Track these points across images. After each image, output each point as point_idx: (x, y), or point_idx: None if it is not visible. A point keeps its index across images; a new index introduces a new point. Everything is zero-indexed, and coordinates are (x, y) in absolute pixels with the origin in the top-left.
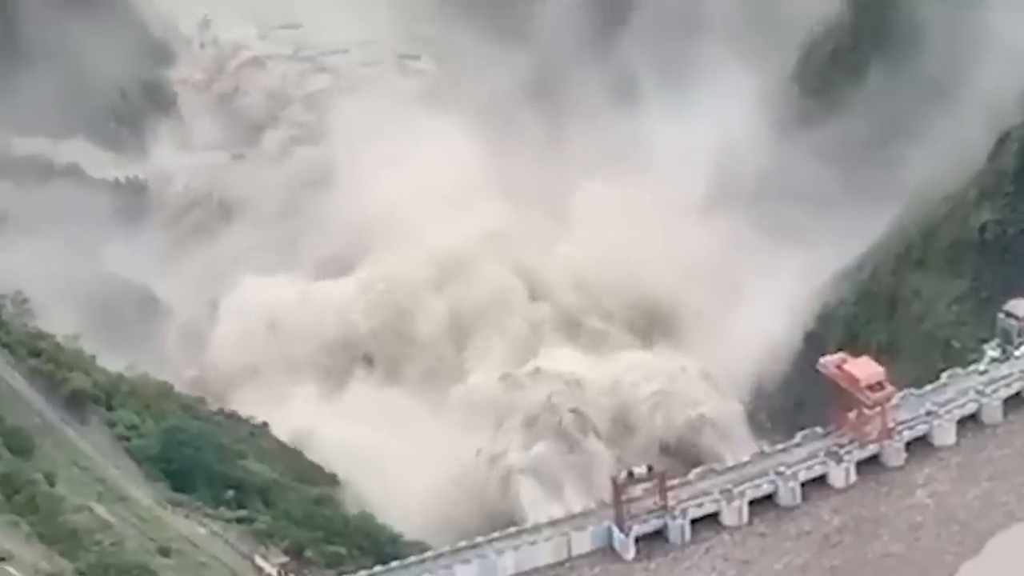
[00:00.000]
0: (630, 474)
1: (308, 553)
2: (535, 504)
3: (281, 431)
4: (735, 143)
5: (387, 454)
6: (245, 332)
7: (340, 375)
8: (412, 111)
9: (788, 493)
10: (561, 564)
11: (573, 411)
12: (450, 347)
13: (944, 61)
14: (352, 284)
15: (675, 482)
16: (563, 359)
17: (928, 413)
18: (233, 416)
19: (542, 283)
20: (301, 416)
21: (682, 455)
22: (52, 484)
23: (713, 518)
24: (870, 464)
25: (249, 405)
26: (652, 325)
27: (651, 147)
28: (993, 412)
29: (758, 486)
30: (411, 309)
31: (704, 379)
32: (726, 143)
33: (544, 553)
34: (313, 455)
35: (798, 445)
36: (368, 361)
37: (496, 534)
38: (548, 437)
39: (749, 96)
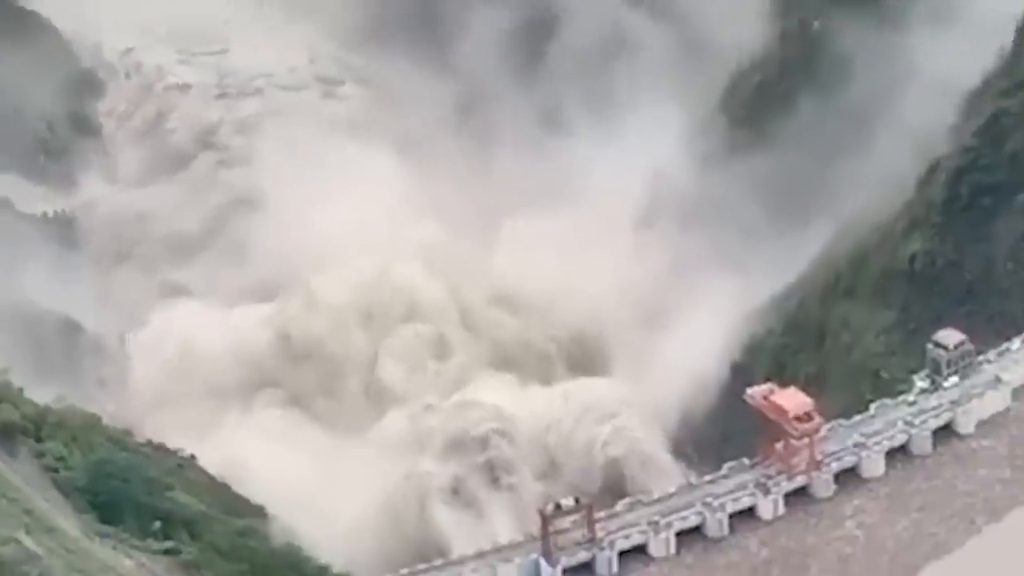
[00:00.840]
0: (557, 506)
1: None
2: (460, 532)
3: (205, 462)
4: (664, 172)
5: (312, 483)
6: (164, 361)
7: (260, 404)
8: (338, 137)
9: (716, 524)
10: None
11: (498, 434)
12: (374, 375)
13: (872, 92)
14: (274, 310)
15: (602, 514)
16: (491, 388)
17: (857, 444)
18: (161, 448)
19: (471, 311)
20: (222, 446)
21: (609, 487)
22: None
23: (641, 550)
24: (798, 495)
25: (170, 435)
26: (580, 354)
27: (580, 175)
28: (922, 443)
29: (685, 517)
30: (334, 336)
31: (630, 409)
32: (655, 172)
33: None
34: (238, 486)
35: (725, 476)
36: (290, 389)
37: (422, 566)
38: (471, 462)
39: (677, 125)
